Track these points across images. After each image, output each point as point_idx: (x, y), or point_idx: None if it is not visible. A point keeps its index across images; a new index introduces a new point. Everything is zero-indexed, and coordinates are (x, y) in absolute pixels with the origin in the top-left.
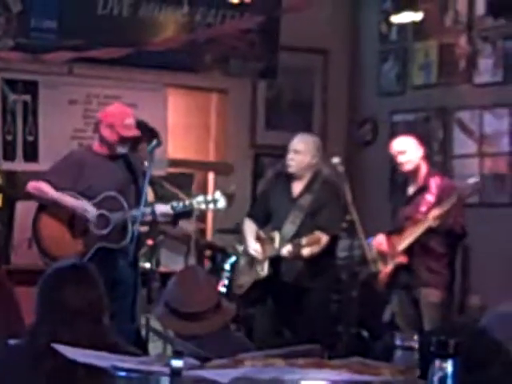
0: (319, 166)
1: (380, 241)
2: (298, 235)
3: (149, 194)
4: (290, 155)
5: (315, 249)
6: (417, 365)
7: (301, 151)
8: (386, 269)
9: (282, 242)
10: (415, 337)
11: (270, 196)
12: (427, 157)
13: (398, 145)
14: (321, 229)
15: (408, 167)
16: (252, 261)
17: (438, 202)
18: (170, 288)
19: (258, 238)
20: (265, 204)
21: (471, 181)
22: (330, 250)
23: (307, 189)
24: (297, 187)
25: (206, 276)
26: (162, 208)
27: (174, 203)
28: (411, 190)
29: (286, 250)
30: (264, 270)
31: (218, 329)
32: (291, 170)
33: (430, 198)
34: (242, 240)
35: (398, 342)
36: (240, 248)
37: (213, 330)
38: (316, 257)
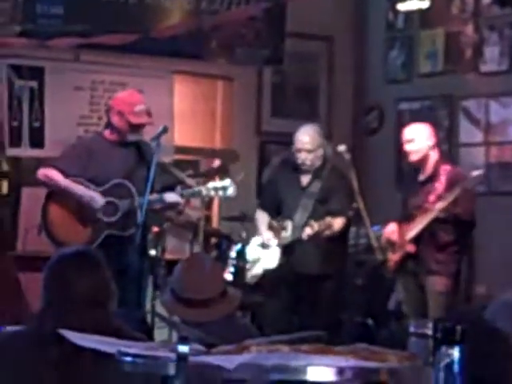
0: (325, 152)
1: (391, 229)
2: (309, 222)
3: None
4: (303, 155)
5: (326, 233)
6: (431, 352)
7: (312, 149)
8: (395, 256)
9: (295, 230)
10: (429, 324)
11: (278, 185)
12: (438, 145)
13: (407, 133)
14: (332, 214)
15: (414, 157)
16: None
17: (447, 191)
18: (176, 275)
19: (271, 227)
20: (274, 194)
21: (475, 173)
22: (342, 236)
23: (316, 176)
24: (305, 176)
25: (213, 263)
26: (172, 197)
27: (183, 191)
28: (421, 177)
29: (306, 233)
30: (275, 259)
31: (223, 316)
32: (306, 167)
33: (439, 187)
34: (254, 230)
35: (412, 329)
36: (244, 235)
37: (219, 317)
38: (329, 243)
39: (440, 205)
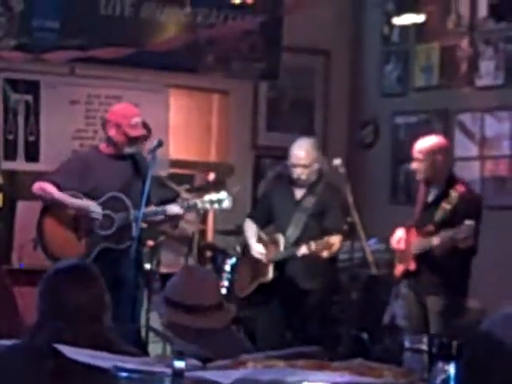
0: (320, 166)
1: (399, 238)
2: (301, 238)
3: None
4: (299, 170)
5: (325, 254)
6: (426, 367)
7: (307, 164)
8: (400, 267)
9: (287, 246)
10: (424, 339)
11: (271, 198)
12: (451, 160)
13: (415, 150)
14: (327, 231)
15: (419, 176)
16: (255, 264)
17: (455, 213)
18: (174, 283)
19: (260, 240)
20: (266, 206)
21: (467, 223)
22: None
23: (310, 191)
24: (299, 190)
25: (209, 273)
26: (174, 209)
27: (184, 203)
28: (431, 195)
29: (302, 252)
30: (269, 273)
31: (221, 326)
32: (301, 182)
33: (447, 208)
34: (243, 241)
35: (407, 344)
36: (239, 249)
37: (217, 326)
38: (320, 258)
39: (435, 241)
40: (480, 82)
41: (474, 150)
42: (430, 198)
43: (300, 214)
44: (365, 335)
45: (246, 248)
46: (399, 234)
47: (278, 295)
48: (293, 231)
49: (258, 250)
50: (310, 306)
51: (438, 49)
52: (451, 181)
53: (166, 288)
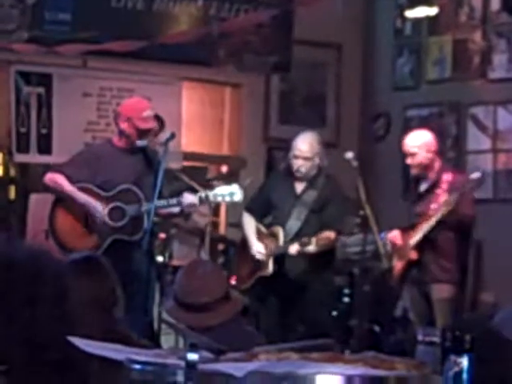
0: (321, 161)
1: (394, 236)
2: (301, 231)
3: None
4: (300, 161)
5: (324, 247)
6: (439, 359)
7: (309, 157)
8: (399, 264)
9: (287, 239)
10: (437, 332)
11: (270, 191)
12: (441, 152)
13: (408, 145)
14: (326, 225)
15: (415, 171)
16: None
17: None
18: (178, 281)
19: (259, 234)
20: (265, 199)
21: (474, 175)
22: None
23: (311, 185)
24: (300, 184)
25: (214, 267)
26: (189, 198)
27: (202, 194)
28: (423, 186)
29: (295, 249)
30: (269, 267)
31: (226, 319)
32: (301, 175)
33: (441, 194)
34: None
35: (420, 337)
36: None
37: (222, 321)
38: (320, 254)
39: (443, 198)
40: (492, 75)
41: (486, 143)
42: (422, 189)
43: (301, 208)
44: (377, 328)
45: (243, 241)
46: (394, 232)
47: (277, 289)
48: (293, 225)
49: (257, 249)
50: (309, 299)
51: (450, 42)
52: (441, 170)
53: (174, 284)
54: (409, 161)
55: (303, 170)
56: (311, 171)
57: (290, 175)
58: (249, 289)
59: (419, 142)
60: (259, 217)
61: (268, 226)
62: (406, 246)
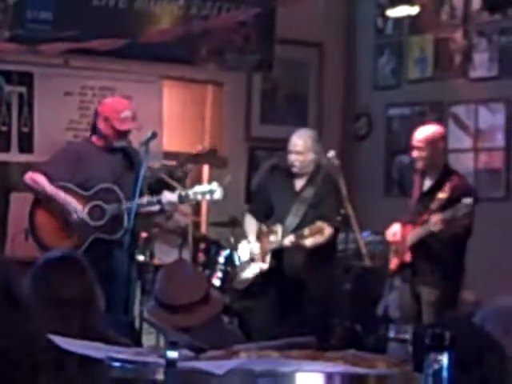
0: (319, 158)
1: (394, 231)
2: (300, 226)
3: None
4: (293, 156)
5: (319, 239)
6: (410, 357)
7: (302, 151)
8: (395, 260)
9: (285, 234)
10: (408, 330)
11: (269, 190)
12: (447, 151)
13: (415, 138)
14: (323, 219)
15: (419, 166)
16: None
17: (449, 203)
18: (158, 282)
19: (260, 233)
20: (265, 199)
21: (465, 201)
22: (330, 243)
23: (309, 182)
24: (299, 181)
25: (193, 268)
26: (169, 196)
27: (181, 192)
28: (427, 183)
29: (288, 240)
30: (266, 262)
31: (206, 320)
32: (296, 170)
33: (442, 197)
34: (243, 235)
35: (391, 335)
36: (232, 241)
37: (201, 322)
38: (317, 249)
39: (436, 217)
40: (474, 74)
41: (467, 142)
42: (426, 188)
43: (299, 205)
44: (358, 326)
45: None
46: (395, 227)
47: (276, 286)
48: (292, 220)
49: (253, 248)
50: (309, 296)
51: (431, 41)
52: (446, 171)
53: (155, 284)
54: (414, 154)
55: (297, 164)
56: (307, 167)
57: (290, 173)
58: (247, 286)
59: (426, 136)
60: (261, 217)
61: (269, 225)
62: (402, 244)
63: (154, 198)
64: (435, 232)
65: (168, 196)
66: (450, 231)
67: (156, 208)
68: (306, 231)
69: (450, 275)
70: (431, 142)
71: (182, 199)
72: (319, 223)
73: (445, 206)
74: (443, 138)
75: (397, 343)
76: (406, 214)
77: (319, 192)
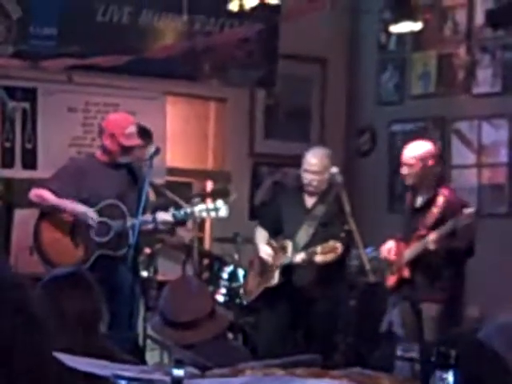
0: (332, 176)
1: (389, 248)
2: (310, 244)
3: (151, 196)
4: (309, 176)
5: (330, 257)
6: (418, 375)
7: (319, 171)
8: (392, 278)
9: (295, 250)
10: (416, 348)
11: (280, 206)
12: (438, 166)
13: (406, 155)
14: (334, 238)
15: (409, 182)
16: (263, 269)
17: (443, 217)
18: (163, 298)
19: (269, 245)
20: (274, 215)
21: (467, 211)
22: (340, 260)
23: (321, 200)
24: (310, 199)
25: (199, 284)
26: (164, 216)
27: (175, 211)
28: (419, 200)
29: (300, 257)
30: (275, 278)
31: (211, 336)
32: (312, 189)
33: (435, 211)
34: (250, 250)
35: (399, 353)
36: (236, 257)
37: (206, 338)
38: (327, 266)
39: (432, 236)
40: (477, 90)
41: (471, 158)
42: (418, 204)
43: (310, 222)
44: (362, 343)
45: (253, 258)
46: (390, 244)
47: (284, 302)
48: (302, 237)
49: (265, 250)
50: (316, 314)
51: (434, 57)
52: (437, 186)
53: (160, 300)
54: (404, 171)
55: (314, 183)
56: (321, 185)
57: (301, 190)
58: (254, 301)
59: (417, 153)
60: (271, 233)
61: (279, 240)
62: (399, 261)
63: (150, 216)
64: (431, 250)
65: (161, 215)
66: (449, 246)
67: (150, 227)
68: (319, 249)
69: (449, 289)
70: (421, 159)
71: (177, 218)
72: (332, 242)
73: (440, 219)
74: (434, 154)
75: (404, 361)
76: (400, 231)
77: (330, 210)
